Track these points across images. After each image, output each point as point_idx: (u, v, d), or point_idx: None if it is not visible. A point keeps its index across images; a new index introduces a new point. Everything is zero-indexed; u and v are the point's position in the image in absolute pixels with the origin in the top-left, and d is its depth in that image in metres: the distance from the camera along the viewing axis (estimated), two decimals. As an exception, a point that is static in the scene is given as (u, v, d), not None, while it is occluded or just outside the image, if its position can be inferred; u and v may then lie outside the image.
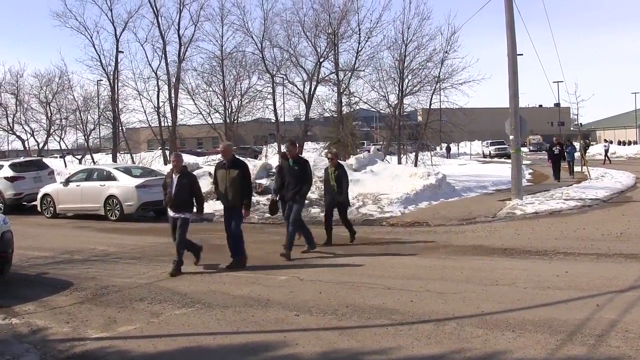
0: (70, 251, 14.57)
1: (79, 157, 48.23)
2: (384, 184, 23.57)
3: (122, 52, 39.68)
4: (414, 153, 33.77)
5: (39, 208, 23.06)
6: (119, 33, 38.75)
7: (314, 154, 32.72)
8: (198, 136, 42.85)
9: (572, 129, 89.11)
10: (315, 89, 34.12)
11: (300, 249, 13.59)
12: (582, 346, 6.80)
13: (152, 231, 18.12)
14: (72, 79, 46.44)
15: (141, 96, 38.29)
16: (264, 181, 24.14)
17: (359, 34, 32.66)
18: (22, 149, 49.01)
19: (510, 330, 7.42)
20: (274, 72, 34.51)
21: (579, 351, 6.67)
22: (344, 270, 11.63)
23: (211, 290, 10.31)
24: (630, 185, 28.02)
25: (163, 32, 37.28)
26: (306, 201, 17.73)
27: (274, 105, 35.44)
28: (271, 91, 35.15)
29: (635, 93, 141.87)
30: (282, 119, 37.04)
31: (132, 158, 40.87)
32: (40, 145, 48.08)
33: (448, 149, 73.71)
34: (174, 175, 11.94)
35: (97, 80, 43.68)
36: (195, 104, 36.86)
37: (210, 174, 25.19)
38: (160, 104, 38.06)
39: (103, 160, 46.51)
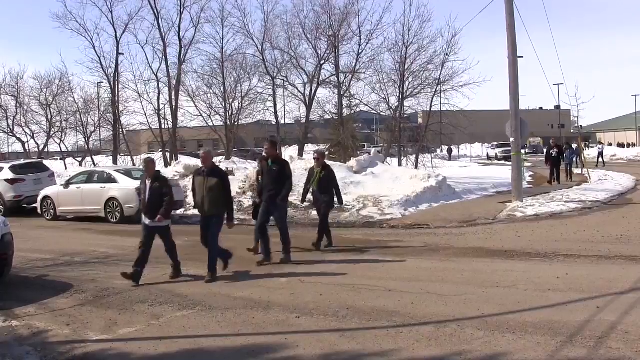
0: (71, 253, 14.57)
1: (80, 159, 48.33)
2: (384, 186, 23.56)
3: (123, 54, 39.79)
4: (414, 155, 33.78)
5: (39, 210, 23.05)
6: (119, 35, 38.86)
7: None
8: (198, 138, 42.84)
9: (572, 131, 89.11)
10: (315, 91, 34.23)
11: (271, 256, 12.93)
12: (583, 348, 6.80)
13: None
14: (72, 81, 46.88)
15: (142, 98, 38.47)
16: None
17: (360, 36, 32.80)
18: (23, 151, 49.07)
19: (510, 332, 7.42)
20: (275, 74, 34.63)
21: (579, 353, 6.67)
22: (344, 273, 11.61)
23: (212, 293, 10.30)
24: (631, 188, 28.00)
25: (163, 34, 37.41)
26: (306, 203, 17.77)
27: (275, 107, 35.58)
28: (272, 93, 35.30)
29: (636, 95, 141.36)
30: (282, 121, 37.22)
31: (132, 160, 40.92)
32: (41, 148, 48.15)
33: (449, 151, 73.68)
34: (147, 181, 11.46)
35: (98, 83, 43.82)
36: (196, 106, 37.04)
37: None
38: (161, 106, 38.22)
39: (103, 162, 46.64)
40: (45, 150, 49.55)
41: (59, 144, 47.55)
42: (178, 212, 19.78)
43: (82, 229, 19.88)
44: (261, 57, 34.53)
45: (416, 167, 31.82)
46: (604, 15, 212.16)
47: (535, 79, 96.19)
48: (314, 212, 20.12)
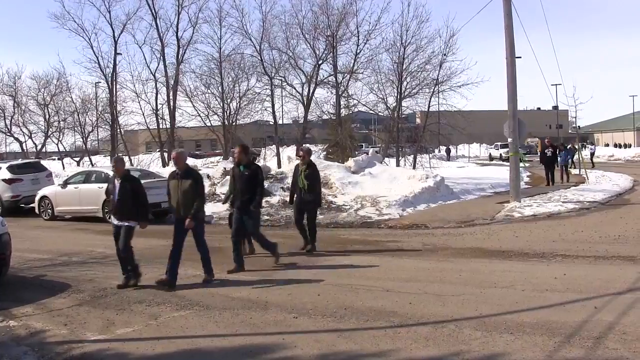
0: (68, 253, 14.56)
1: (77, 159, 48.31)
2: (382, 186, 23.57)
3: (121, 54, 39.84)
4: (412, 155, 33.78)
5: (36, 210, 23.04)
6: (117, 35, 38.88)
7: (313, 157, 32.68)
8: (196, 138, 42.89)
9: (570, 131, 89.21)
10: (313, 91, 34.19)
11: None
12: (580, 348, 6.81)
13: (150, 233, 18.07)
14: (70, 81, 46.82)
15: (139, 98, 38.50)
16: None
17: (358, 36, 32.75)
18: (20, 151, 49.08)
19: (508, 333, 7.42)
20: (273, 75, 34.59)
21: (577, 353, 6.67)
22: (342, 273, 11.62)
23: (209, 293, 10.30)
24: (628, 188, 28.03)
25: (161, 34, 37.47)
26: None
27: (273, 107, 35.52)
28: (270, 93, 35.27)
29: (634, 96, 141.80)
30: (280, 122, 37.19)
31: (130, 160, 40.87)
32: (38, 148, 48.19)
33: (448, 151, 73.71)
34: (116, 181, 11.06)
35: (95, 82, 43.82)
36: (194, 106, 37.02)
37: (208, 176, 25.26)
38: (159, 106, 38.25)
39: (101, 162, 46.56)
40: (43, 150, 49.60)
41: (57, 144, 47.65)
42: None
43: (80, 229, 19.86)
44: (259, 57, 34.52)
45: (414, 167, 31.81)
46: (603, 16, 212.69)
47: (533, 80, 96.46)
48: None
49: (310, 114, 34.90)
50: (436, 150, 61.50)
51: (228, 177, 24.70)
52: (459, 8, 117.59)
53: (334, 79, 33.31)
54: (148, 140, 46.01)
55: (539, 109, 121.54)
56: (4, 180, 24.57)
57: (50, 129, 46.44)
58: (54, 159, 52.64)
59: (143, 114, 38.88)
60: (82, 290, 10.57)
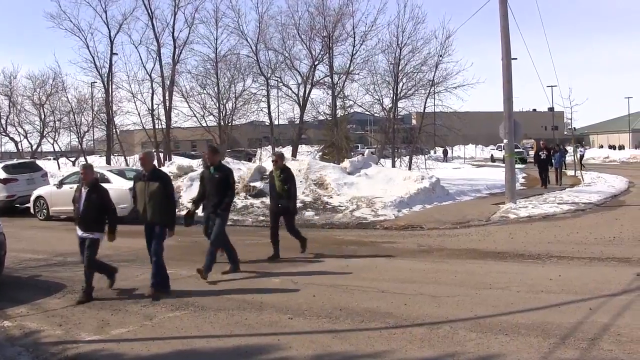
0: (63, 253, 14.52)
1: (73, 159, 48.18)
2: (378, 187, 23.56)
3: (117, 54, 39.70)
4: (408, 156, 33.78)
5: (32, 210, 22.99)
6: (113, 35, 38.76)
7: (308, 157, 32.73)
8: (192, 139, 42.83)
9: (565, 133, 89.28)
10: (309, 92, 34.18)
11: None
12: (575, 350, 6.82)
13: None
14: (65, 80, 46.69)
15: (135, 98, 38.41)
16: (258, 184, 24.11)
17: (354, 37, 32.74)
18: (16, 151, 48.96)
19: (503, 334, 7.43)
20: (269, 75, 34.58)
21: (572, 355, 6.69)
22: (338, 274, 11.62)
23: (204, 293, 10.29)
24: (624, 190, 28.12)
25: (157, 34, 37.38)
26: (297, 206, 17.72)
27: (269, 108, 35.50)
28: (265, 94, 35.25)
29: (629, 98, 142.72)
30: (276, 122, 37.09)
31: (126, 160, 40.84)
32: (34, 147, 48.06)
33: (445, 152, 73.85)
34: (83, 189, 10.39)
35: (91, 82, 43.73)
36: (190, 106, 36.92)
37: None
38: (155, 106, 38.16)
39: (97, 162, 46.41)
40: (39, 150, 49.45)
41: (52, 144, 47.51)
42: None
43: (75, 229, 19.78)
44: (255, 58, 34.50)
45: (409, 168, 31.80)
46: (599, 19, 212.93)
47: (529, 81, 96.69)
48: (307, 213, 20.18)
49: (306, 114, 34.91)
50: (432, 152, 61.50)
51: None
52: (455, 9, 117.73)
53: (330, 79, 33.34)
54: (144, 141, 45.94)
55: (534, 110, 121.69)
56: (-1, 180, 24.53)
57: (46, 129, 46.34)
58: (50, 159, 52.45)
59: (139, 114, 38.84)
60: (77, 291, 10.53)
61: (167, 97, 37.28)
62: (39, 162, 32.16)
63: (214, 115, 36.77)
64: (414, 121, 40.39)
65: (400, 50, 31.44)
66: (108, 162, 40.40)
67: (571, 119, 50.06)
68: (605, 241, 14.44)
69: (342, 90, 33.66)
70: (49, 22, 72.99)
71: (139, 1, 37.81)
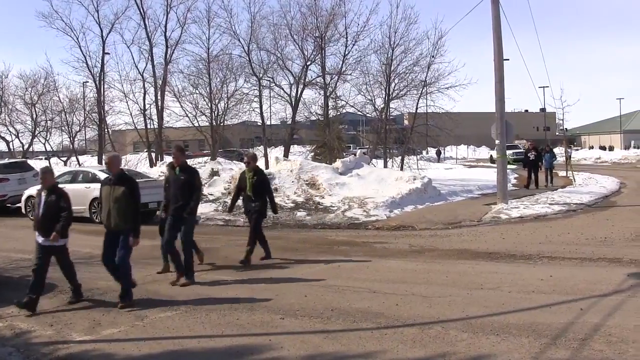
0: (55, 253, 14.47)
1: (64, 159, 48.05)
2: (369, 187, 23.57)
3: (109, 53, 39.68)
4: (400, 157, 33.79)
5: (23, 210, 22.89)
6: (105, 34, 38.80)
7: (300, 157, 32.74)
8: (184, 138, 42.75)
9: (557, 133, 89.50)
10: (302, 92, 34.21)
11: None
12: (566, 350, 6.84)
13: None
14: (57, 80, 46.47)
15: (127, 98, 38.38)
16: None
17: (346, 37, 32.80)
18: (7, 150, 48.80)
19: (494, 334, 7.45)
20: (261, 75, 34.57)
21: (563, 355, 6.70)
22: (329, 274, 11.62)
23: (196, 293, 10.28)
24: (615, 190, 28.19)
25: (150, 34, 37.40)
26: (289, 206, 17.72)
27: (261, 108, 35.50)
28: (258, 94, 35.24)
29: (621, 99, 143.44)
30: (268, 122, 37.12)
31: (118, 160, 40.64)
32: (25, 147, 47.91)
33: (438, 152, 73.98)
34: (42, 194, 9.87)
35: (83, 82, 43.73)
36: (182, 106, 36.93)
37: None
38: (147, 106, 38.16)
39: (88, 162, 46.39)
40: (30, 149, 49.31)
41: (44, 144, 47.37)
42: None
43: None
44: (247, 58, 34.50)
45: (401, 168, 31.81)
46: (591, 20, 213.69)
47: (521, 82, 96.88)
48: (299, 213, 20.19)
49: (298, 114, 34.95)
50: (424, 152, 61.54)
51: (215, 178, 24.82)
52: (447, 10, 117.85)
53: (322, 80, 33.38)
54: (136, 141, 45.91)
55: (526, 111, 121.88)
56: (-10, 179, 24.44)
57: (38, 129, 46.21)
58: (41, 159, 52.31)
59: (131, 114, 38.82)
60: (68, 291, 10.50)
61: (159, 97, 37.27)
62: (31, 162, 32.04)
63: (206, 115, 36.78)
64: (406, 122, 40.44)
65: (393, 50, 31.50)
66: (100, 162, 40.27)
67: (563, 119, 50.07)
68: (596, 242, 14.48)
69: (335, 90, 33.74)
70: (41, 22, 72.84)
71: (131, 1, 37.91)
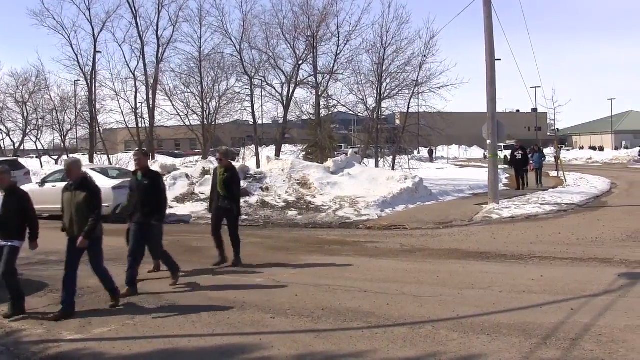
0: (46, 252, 14.38)
1: (56, 157, 47.89)
2: (361, 187, 23.59)
3: (100, 52, 39.48)
4: (391, 156, 33.81)
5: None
6: (97, 33, 38.51)
7: (292, 157, 32.72)
8: (176, 137, 42.73)
9: (549, 134, 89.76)
10: (293, 91, 34.17)
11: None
12: (557, 350, 6.85)
13: (122, 232, 17.98)
14: (49, 78, 46.32)
15: (119, 97, 38.21)
16: (242, 183, 24.07)
17: (338, 37, 32.76)
18: (-2, 148, 48.67)
19: (485, 334, 7.46)
20: (253, 74, 34.51)
21: (553, 355, 6.72)
22: (320, 273, 11.62)
23: (187, 293, 10.28)
24: (606, 191, 28.32)
25: (141, 33, 37.26)
26: (280, 205, 17.70)
27: (252, 107, 35.42)
28: (249, 93, 35.16)
29: (612, 99, 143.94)
30: (260, 121, 37.01)
31: (109, 159, 40.63)
32: (16, 145, 47.76)
33: (430, 152, 74.13)
34: (0, 194, 9.59)
35: (75, 81, 43.53)
36: (173, 105, 36.84)
37: (187, 175, 25.15)
38: (138, 105, 38.00)
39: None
40: (21, 148, 49.16)
41: (35, 142, 47.21)
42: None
43: (58, 228, 19.47)
44: (239, 57, 34.41)
45: (393, 168, 31.82)
46: (583, 20, 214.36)
47: (513, 82, 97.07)
48: (290, 213, 20.18)
49: (289, 114, 34.90)
50: (415, 152, 61.61)
51: (207, 177, 24.73)
52: (439, 10, 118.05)
53: (314, 79, 33.36)
54: (127, 139, 45.81)
55: (518, 111, 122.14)
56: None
57: (29, 127, 46.06)
58: (32, 157, 52.18)
59: (122, 113, 38.60)
60: (59, 290, 10.44)
61: (150, 96, 37.16)
62: (22, 160, 31.97)
63: (197, 114, 36.72)
64: (397, 121, 40.44)
65: (385, 50, 31.51)
66: (91, 160, 40.15)
67: (554, 120, 50.23)
68: (587, 242, 14.53)
69: (326, 90, 33.71)
70: (32, 20, 72.50)
71: (123, -1, 37.65)
